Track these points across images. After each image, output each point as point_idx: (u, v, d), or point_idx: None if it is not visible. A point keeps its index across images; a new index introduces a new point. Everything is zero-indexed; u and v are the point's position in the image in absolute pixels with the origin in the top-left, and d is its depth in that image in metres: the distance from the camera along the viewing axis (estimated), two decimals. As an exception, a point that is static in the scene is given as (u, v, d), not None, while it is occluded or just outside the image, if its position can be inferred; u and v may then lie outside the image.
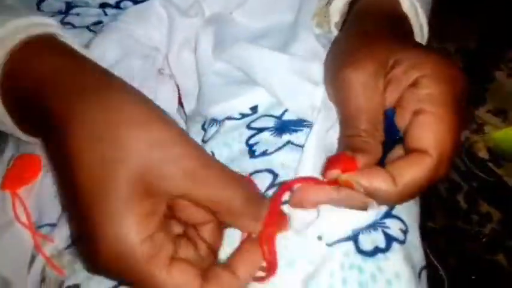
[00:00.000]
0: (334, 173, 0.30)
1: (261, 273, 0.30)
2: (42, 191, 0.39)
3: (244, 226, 0.29)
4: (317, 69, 0.39)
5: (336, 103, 0.34)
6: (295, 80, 0.39)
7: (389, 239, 0.32)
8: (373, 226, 0.32)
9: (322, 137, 0.35)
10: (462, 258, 0.86)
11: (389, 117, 0.32)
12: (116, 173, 0.26)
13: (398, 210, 0.34)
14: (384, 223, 0.33)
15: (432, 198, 0.95)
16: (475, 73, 1.21)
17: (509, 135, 1.01)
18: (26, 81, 0.31)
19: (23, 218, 0.37)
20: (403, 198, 0.29)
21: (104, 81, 0.30)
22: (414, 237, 0.34)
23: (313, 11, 0.47)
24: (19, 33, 0.32)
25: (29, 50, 0.33)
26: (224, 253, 0.31)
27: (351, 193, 0.29)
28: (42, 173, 0.39)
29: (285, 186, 0.31)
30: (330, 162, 0.31)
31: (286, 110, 0.40)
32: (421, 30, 0.40)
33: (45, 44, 0.33)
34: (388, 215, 0.33)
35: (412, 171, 0.28)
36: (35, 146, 0.40)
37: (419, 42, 0.40)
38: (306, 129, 0.38)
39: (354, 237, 0.32)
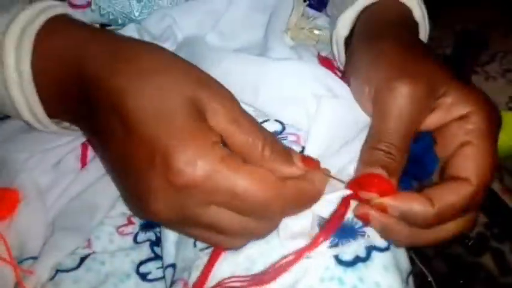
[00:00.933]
0: (371, 195, 0.31)
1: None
2: (22, 224, 0.39)
3: (276, 170, 0.30)
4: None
5: (376, 112, 0.35)
6: (285, 91, 0.39)
7: (370, 247, 0.32)
8: (353, 235, 0.32)
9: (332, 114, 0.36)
10: (449, 263, 0.86)
11: (429, 141, 0.34)
12: (173, 101, 0.28)
13: None
14: (364, 231, 0.33)
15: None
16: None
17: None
18: (62, 57, 0.33)
19: (4, 254, 0.36)
20: (439, 221, 0.31)
21: (133, 42, 0.33)
22: None
23: (282, 25, 0.48)
24: (41, 15, 0.34)
25: (54, 28, 0.34)
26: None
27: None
28: (21, 206, 0.39)
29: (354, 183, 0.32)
30: (365, 180, 0.32)
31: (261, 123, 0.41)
32: (425, 36, 0.43)
33: (67, 22, 0.36)
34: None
35: (452, 196, 0.30)
36: (14, 179, 0.40)
37: None
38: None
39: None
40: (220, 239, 0.31)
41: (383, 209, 0.31)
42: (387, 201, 0.31)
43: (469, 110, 0.32)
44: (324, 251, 0.31)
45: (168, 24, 0.49)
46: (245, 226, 0.29)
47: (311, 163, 0.32)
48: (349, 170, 0.35)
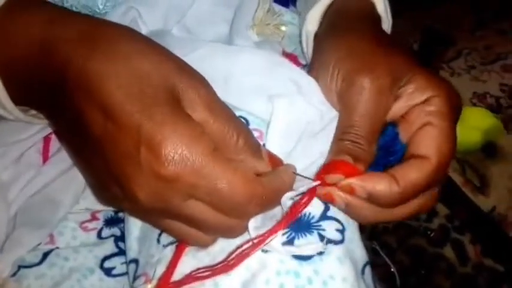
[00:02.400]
0: (336, 177, 0.32)
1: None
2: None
3: (247, 162, 0.31)
4: None
5: (342, 105, 0.36)
6: (253, 82, 0.39)
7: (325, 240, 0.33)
8: (308, 229, 0.33)
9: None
10: (412, 254, 0.89)
11: (393, 132, 0.35)
12: (154, 88, 0.28)
13: (334, 211, 0.35)
14: (320, 225, 0.34)
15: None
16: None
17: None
18: (26, 37, 0.31)
19: None
20: (403, 199, 0.32)
21: (109, 25, 0.32)
22: (353, 234, 0.35)
23: (247, 20, 0.48)
24: None
25: (18, 6, 0.32)
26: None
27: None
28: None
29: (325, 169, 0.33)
30: (331, 167, 0.33)
31: None
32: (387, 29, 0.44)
33: (29, 1, 0.33)
34: (323, 217, 0.34)
35: (415, 174, 0.31)
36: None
37: None
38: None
39: (289, 243, 0.32)
40: (191, 233, 0.31)
41: (350, 191, 0.32)
42: (353, 181, 0.31)
43: (431, 94, 0.34)
44: (281, 249, 0.32)
45: (132, 17, 0.49)
46: (221, 223, 0.29)
47: (275, 160, 0.33)
48: (317, 165, 0.36)
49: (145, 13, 0.49)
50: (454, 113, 0.34)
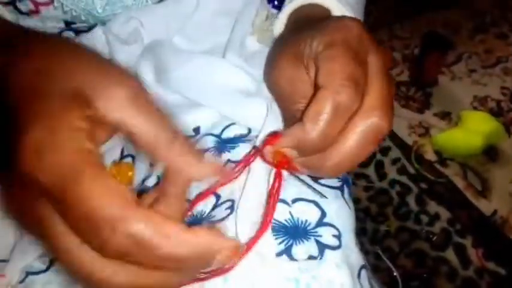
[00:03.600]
0: (268, 149, 0.32)
1: None
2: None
3: (171, 161, 0.26)
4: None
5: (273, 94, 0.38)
6: (242, 94, 0.41)
7: (322, 246, 0.33)
8: (305, 236, 0.34)
9: None
10: (414, 258, 0.89)
11: None
12: (50, 85, 0.25)
13: (330, 217, 0.35)
14: (316, 232, 0.34)
15: (385, 203, 0.99)
16: (420, 78, 1.27)
17: (453, 136, 1.06)
18: None
19: None
20: (323, 134, 0.31)
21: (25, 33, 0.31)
22: (349, 239, 0.36)
23: (245, 29, 0.49)
24: None
25: None
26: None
27: None
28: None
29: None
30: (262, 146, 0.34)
31: (225, 128, 0.42)
32: None
33: None
34: (320, 223, 0.35)
35: (315, 107, 0.31)
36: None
37: None
38: (242, 144, 0.40)
39: (287, 250, 0.33)
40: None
41: (281, 156, 0.32)
42: (274, 147, 0.32)
43: (323, 37, 0.33)
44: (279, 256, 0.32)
45: (134, 27, 0.50)
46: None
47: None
48: None
49: (147, 22, 0.50)
50: (340, 38, 0.33)
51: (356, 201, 0.99)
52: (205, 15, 0.51)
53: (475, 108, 1.20)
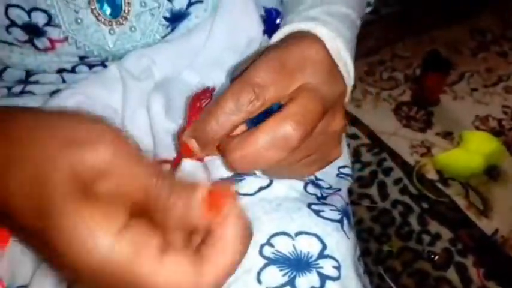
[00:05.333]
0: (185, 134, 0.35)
1: None
2: (13, 255, 0.42)
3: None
4: None
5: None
6: None
7: (323, 278, 0.36)
8: (308, 268, 0.36)
9: None
10: (417, 278, 0.91)
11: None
12: (50, 174, 0.24)
13: (330, 249, 0.38)
14: (318, 264, 0.36)
15: (388, 223, 1.01)
16: (422, 98, 1.29)
17: (455, 156, 1.09)
18: None
19: None
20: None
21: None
22: (348, 270, 0.38)
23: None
24: None
25: None
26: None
27: None
28: (11, 239, 0.42)
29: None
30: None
31: None
32: (345, 66, 0.43)
33: None
34: (321, 255, 0.37)
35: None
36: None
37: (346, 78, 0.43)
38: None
39: (291, 282, 0.35)
40: None
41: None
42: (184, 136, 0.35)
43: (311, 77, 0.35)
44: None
45: (146, 64, 0.53)
46: None
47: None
48: None
49: (158, 59, 0.53)
50: (323, 91, 0.35)
51: (359, 221, 1.01)
52: (213, 51, 0.55)
53: (476, 128, 1.22)
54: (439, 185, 1.05)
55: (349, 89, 0.44)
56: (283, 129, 0.33)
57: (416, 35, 1.54)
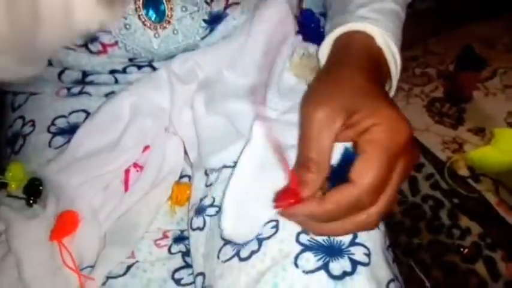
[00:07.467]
0: (281, 205, 0.39)
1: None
2: (81, 239, 0.47)
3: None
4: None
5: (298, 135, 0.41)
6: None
7: (355, 263, 0.39)
8: (340, 254, 0.39)
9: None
10: (446, 270, 0.93)
11: (349, 153, 0.40)
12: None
13: (362, 238, 0.41)
14: (349, 250, 0.40)
15: (418, 218, 1.03)
16: (455, 94, 1.29)
17: (486, 153, 1.09)
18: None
19: (69, 263, 0.45)
20: (329, 216, 0.37)
21: None
22: (378, 257, 0.41)
23: (283, 65, 0.56)
24: None
25: None
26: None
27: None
28: (80, 225, 0.48)
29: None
30: (281, 194, 0.39)
31: None
32: (393, 57, 0.48)
33: None
34: (352, 243, 0.41)
35: (338, 196, 0.37)
36: (73, 202, 0.49)
37: (394, 70, 0.48)
38: None
39: (325, 266, 0.39)
40: None
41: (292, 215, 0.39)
42: (289, 209, 0.38)
43: (372, 123, 0.37)
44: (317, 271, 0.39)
45: (191, 66, 0.58)
46: None
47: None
48: None
49: (202, 62, 0.58)
50: (393, 142, 0.36)
51: (390, 215, 1.03)
52: (253, 55, 0.59)
53: (508, 124, 1.21)
54: (470, 180, 1.06)
55: (394, 82, 0.49)
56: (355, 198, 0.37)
57: (450, 30, 1.53)
